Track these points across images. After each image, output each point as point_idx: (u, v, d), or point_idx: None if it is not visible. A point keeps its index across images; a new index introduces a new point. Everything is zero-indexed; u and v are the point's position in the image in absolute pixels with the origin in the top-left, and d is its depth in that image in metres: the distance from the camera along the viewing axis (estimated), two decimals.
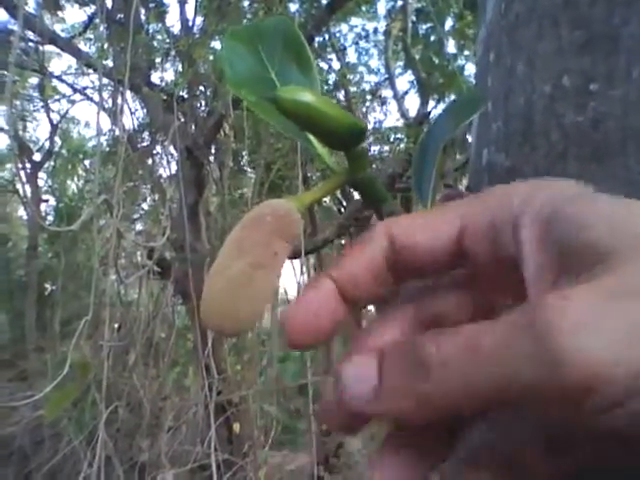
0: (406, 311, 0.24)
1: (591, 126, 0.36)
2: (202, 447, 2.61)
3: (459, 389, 0.17)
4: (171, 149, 3.22)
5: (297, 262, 3.34)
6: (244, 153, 3.86)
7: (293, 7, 3.26)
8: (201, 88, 3.47)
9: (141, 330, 3.06)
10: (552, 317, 0.16)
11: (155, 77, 3.42)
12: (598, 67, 0.37)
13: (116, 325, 3.33)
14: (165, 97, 3.25)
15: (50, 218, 6.17)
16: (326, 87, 3.87)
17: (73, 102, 4.89)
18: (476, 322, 0.18)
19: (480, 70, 0.47)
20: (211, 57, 3.14)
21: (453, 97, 3.68)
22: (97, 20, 3.38)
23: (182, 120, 3.17)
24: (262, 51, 0.29)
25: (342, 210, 4.55)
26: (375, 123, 4.39)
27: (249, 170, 4.15)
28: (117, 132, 2.42)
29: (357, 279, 0.23)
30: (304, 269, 3.56)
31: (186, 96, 3.29)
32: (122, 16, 3.14)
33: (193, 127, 3.19)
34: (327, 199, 4.34)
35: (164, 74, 3.45)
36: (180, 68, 3.33)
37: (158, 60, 3.51)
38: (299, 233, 0.24)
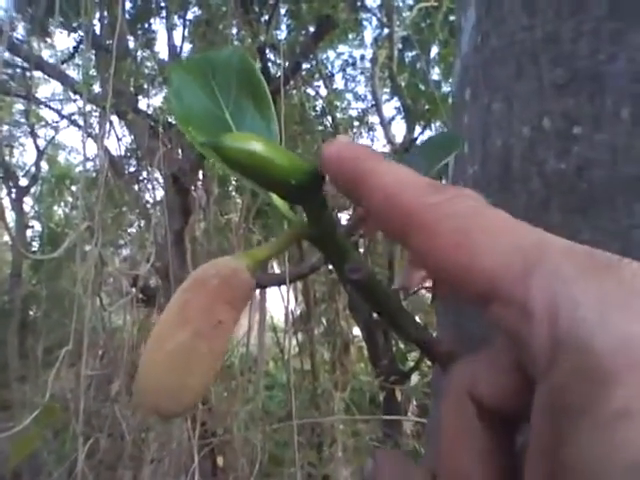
0: None
1: (575, 174, 0.33)
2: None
3: None
4: (157, 175, 3.20)
5: (284, 288, 3.30)
6: (231, 179, 3.83)
7: (280, 34, 3.28)
8: None
9: (125, 358, 2.99)
10: None
11: (143, 103, 3.41)
12: (582, 109, 0.33)
13: (100, 352, 3.26)
14: (152, 123, 3.23)
15: (35, 244, 6.10)
16: (313, 113, 3.88)
17: (59, 128, 4.86)
18: None
19: (456, 107, 0.43)
20: None
21: (439, 124, 3.70)
22: (84, 46, 3.38)
23: (168, 146, 3.15)
24: (215, 86, 0.26)
25: None
26: None
27: (236, 195, 4.13)
28: (100, 159, 2.40)
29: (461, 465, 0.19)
30: (291, 296, 3.52)
31: (173, 122, 3.28)
32: (110, 42, 3.14)
33: (180, 153, 3.17)
34: None
35: (151, 100, 3.44)
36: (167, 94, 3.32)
37: (146, 86, 3.50)
38: (248, 297, 0.21)
